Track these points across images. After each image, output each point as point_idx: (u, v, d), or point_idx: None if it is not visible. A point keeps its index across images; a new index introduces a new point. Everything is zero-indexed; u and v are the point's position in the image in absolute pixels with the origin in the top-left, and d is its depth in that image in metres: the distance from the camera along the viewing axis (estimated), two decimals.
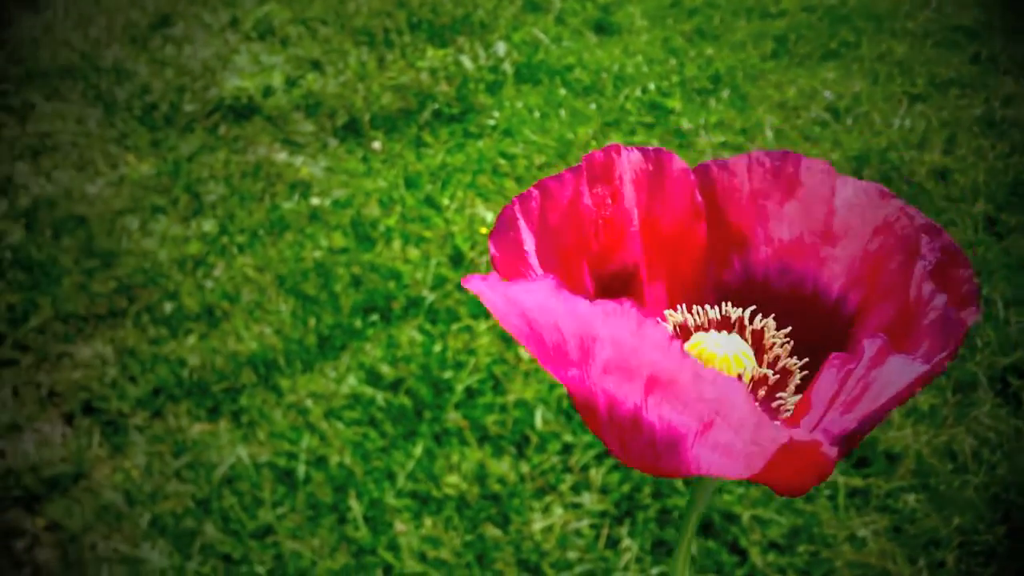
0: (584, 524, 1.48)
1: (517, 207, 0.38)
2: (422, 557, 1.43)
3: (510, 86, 2.67)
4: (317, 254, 2.02)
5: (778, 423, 0.35)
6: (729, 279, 0.42)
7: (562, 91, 2.65)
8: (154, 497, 1.56)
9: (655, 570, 1.42)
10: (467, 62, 2.77)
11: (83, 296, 1.95)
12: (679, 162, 0.41)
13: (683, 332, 0.41)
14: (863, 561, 1.42)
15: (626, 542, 1.45)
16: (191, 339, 1.84)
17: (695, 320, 0.41)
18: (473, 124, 2.50)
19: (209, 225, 2.14)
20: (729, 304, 0.41)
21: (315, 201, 2.20)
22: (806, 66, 2.72)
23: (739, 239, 0.41)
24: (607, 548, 1.45)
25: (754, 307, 0.41)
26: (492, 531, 1.46)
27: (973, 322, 0.34)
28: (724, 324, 0.41)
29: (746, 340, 0.40)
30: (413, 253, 2.00)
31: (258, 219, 2.15)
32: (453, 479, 1.53)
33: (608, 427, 0.33)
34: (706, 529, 1.48)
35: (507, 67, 2.75)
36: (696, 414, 0.30)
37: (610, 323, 0.29)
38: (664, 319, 0.41)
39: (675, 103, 2.56)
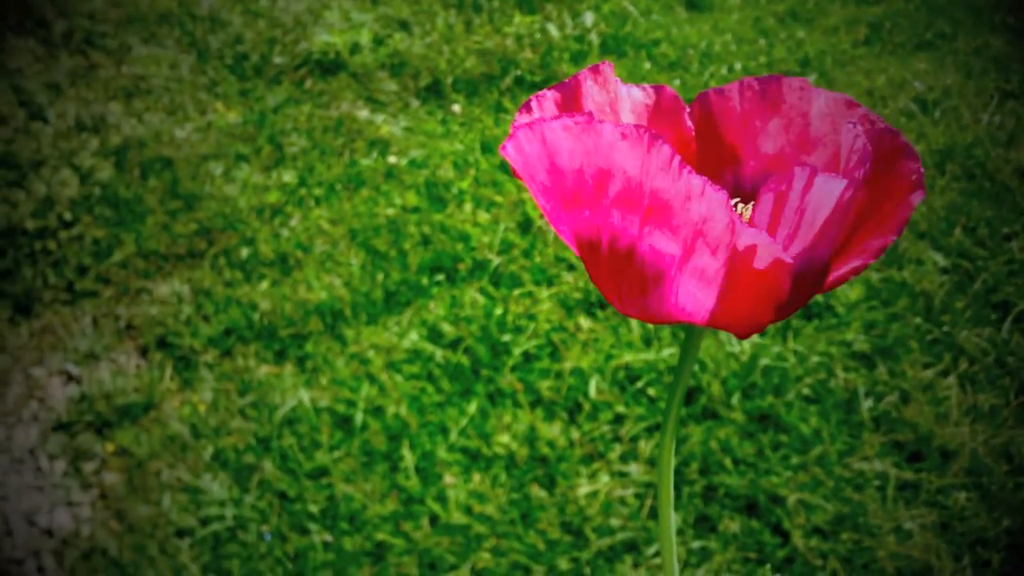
0: (629, 493, 1.50)
1: (534, 102, 0.42)
2: (468, 510, 1.47)
3: (594, 57, 2.67)
4: (390, 211, 2.06)
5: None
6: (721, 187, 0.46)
7: (647, 65, 2.64)
8: (218, 432, 1.62)
9: (696, 544, 1.44)
10: (553, 30, 2.78)
11: (165, 236, 2.02)
12: (671, 92, 0.46)
13: None
14: (906, 554, 1.42)
15: None
16: (264, 284, 1.90)
17: None
18: None
19: (289, 176, 2.20)
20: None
21: (392, 159, 2.24)
22: (898, 55, 2.66)
23: (731, 155, 0.46)
24: (650, 519, 1.47)
25: (738, 199, 0.46)
26: (538, 492, 1.49)
27: (918, 201, 0.38)
28: None
29: None
30: (483, 217, 2.03)
31: (336, 173, 2.20)
32: (504, 439, 1.56)
33: (607, 264, 0.37)
34: (750, 509, 1.49)
35: (593, 37, 2.74)
36: (682, 238, 0.34)
37: (623, 150, 0.33)
38: (673, 149, 0.46)
39: None
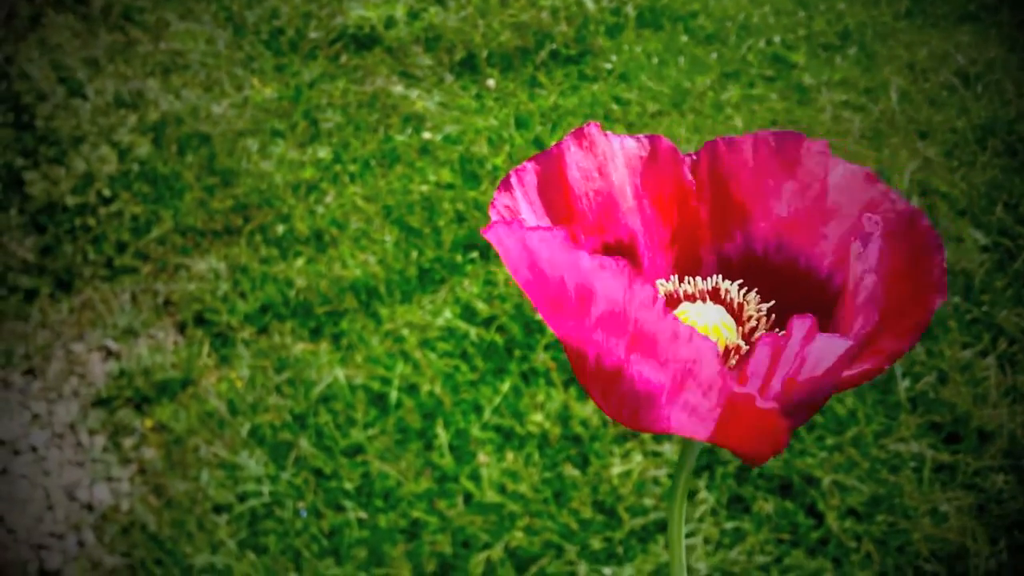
0: (662, 473, 1.50)
1: (513, 177, 0.41)
2: (501, 489, 1.48)
3: (630, 30, 2.64)
4: (424, 188, 2.06)
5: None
6: (731, 251, 0.44)
7: (683, 38, 2.61)
8: (255, 408, 1.64)
9: (729, 524, 1.44)
10: (589, 3, 2.75)
11: (202, 212, 2.04)
12: (667, 143, 0.44)
13: (673, 301, 0.43)
14: (942, 536, 1.41)
15: (703, 495, 1.47)
16: (299, 261, 1.91)
17: (686, 289, 0.44)
18: (589, 67, 2.49)
19: (324, 152, 2.20)
20: (720, 276, 0.44)
21: (427, 135, 2.24)
22: (940, 27, 2.61)
23: (741, 213, 0.43)
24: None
25: (741, 280, 0.43)
26: (571, 471, 1.50)
27: (939, 304, 0.36)
28: (714, 294, 0.43)
29: (733, 311, 0.42)
30: None
31: (371, 149, 2.20)
32: (537, 417, 1.57)
33: (595, 378, 0.36)
34: (784, 490, 1.49)
35: (629, 10, 2.72)
36: (671, 372, 0.32)
37: (604, 279, 0.32)
38: (654, 288, 0.44)
39: (799, 57, 2.49)
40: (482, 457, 1.52)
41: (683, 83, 2.39)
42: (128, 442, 1.65)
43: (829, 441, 1.53)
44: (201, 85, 2.42)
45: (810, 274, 0.42)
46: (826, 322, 0.40)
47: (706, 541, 1.42)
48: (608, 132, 0.43)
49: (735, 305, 0.42)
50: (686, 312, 0.40)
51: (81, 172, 2.03)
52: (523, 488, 1.47)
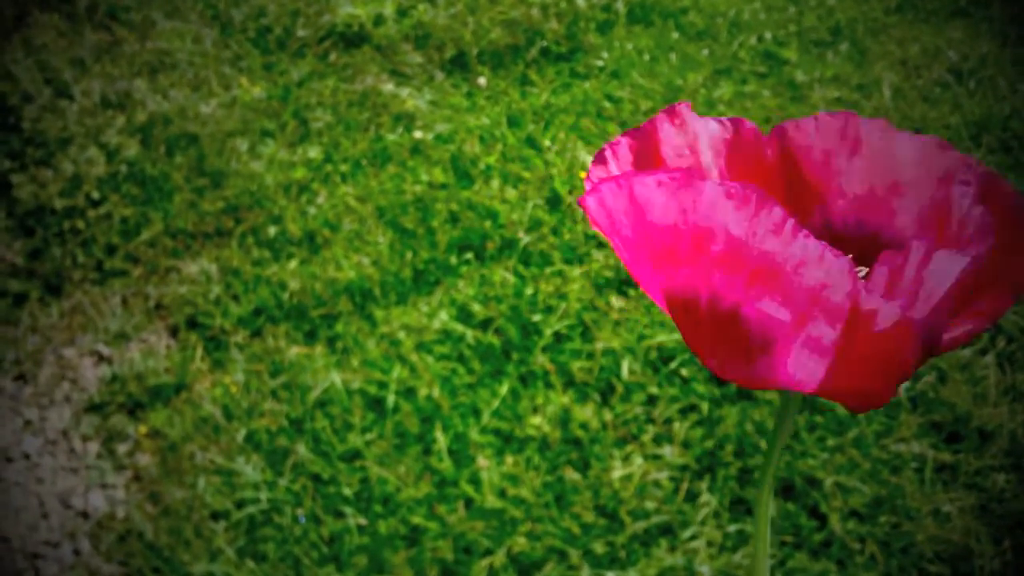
0: (664, 476, 1.49)
1: (608, 151, 0.41)
2: (502, 493, 1.47)
3: (621, 26, 2.63)
4: (417, 188, 2.05)
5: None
6: (812, 230, 0.44)
7: (674, 34, 2.60)
8: (250, 413, 1.62)
9: (732, 527, 1.43)
10: None
11: (192, 213, 2.02)
12: (750, 125, 0.44)
13: None
14: (945, 537, 1.40)
15: (705, 497, 1.46)
16: (292, 263, 1.90)
17: None
18: (581, 64, 2.48)
19: (314, 152, 2.18)
20: None
21: (418, 134, 2.22)
22: (932, 23, 2.61)
23: (815, 193, 0.44)
24: (685, 502, 1.46)
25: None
26: (572, 475, 1.49)
27: None
28: None
29: None
30: (511, 193, 2.01)
31: (362, 149, 2.19)
32: (536, 420, 1.56)
33: (706, 327, 0.35)
34: (787, 492, 1.48)
35: (620, 6, 2.70)
36: (794, 304, 0.31)
37: (728, 209, 0.31)
38: (784, 211, 0.44)
39: (791, 54, 2.49)
40: (482, 461, 1.51)
41: (675, 80, 2.38)
42: (122, 448, 1.63)
43: (830, 442, 1.52)
44: (189, 85, 2.39)
45: (894, 247, 0.42)
46: None
47: (709, 544, 1.42)
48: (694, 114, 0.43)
49: None
50: None
51: (69, 174, 2.00)
52: (524, 492, 1.46)
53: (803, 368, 0.33)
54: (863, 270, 0.41)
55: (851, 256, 0.43)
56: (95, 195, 2.01)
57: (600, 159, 0.40)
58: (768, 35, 2.56)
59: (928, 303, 0.32)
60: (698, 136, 0.43)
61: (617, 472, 1.49)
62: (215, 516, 1.48)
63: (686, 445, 1.53)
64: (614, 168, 0.40)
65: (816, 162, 0.43)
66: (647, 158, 0.42)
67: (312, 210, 2.02)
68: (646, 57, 2.49)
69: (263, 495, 1.49)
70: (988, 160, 2.06)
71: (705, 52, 2.50)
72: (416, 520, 1.43)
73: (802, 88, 2.35)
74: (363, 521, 1.44)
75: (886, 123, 0.41)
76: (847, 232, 0.43)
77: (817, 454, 1.51)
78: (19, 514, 1.56)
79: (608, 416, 1.57)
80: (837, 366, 0.33)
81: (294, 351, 1.72)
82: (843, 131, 0.42)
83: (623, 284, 1.80)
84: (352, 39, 2.59)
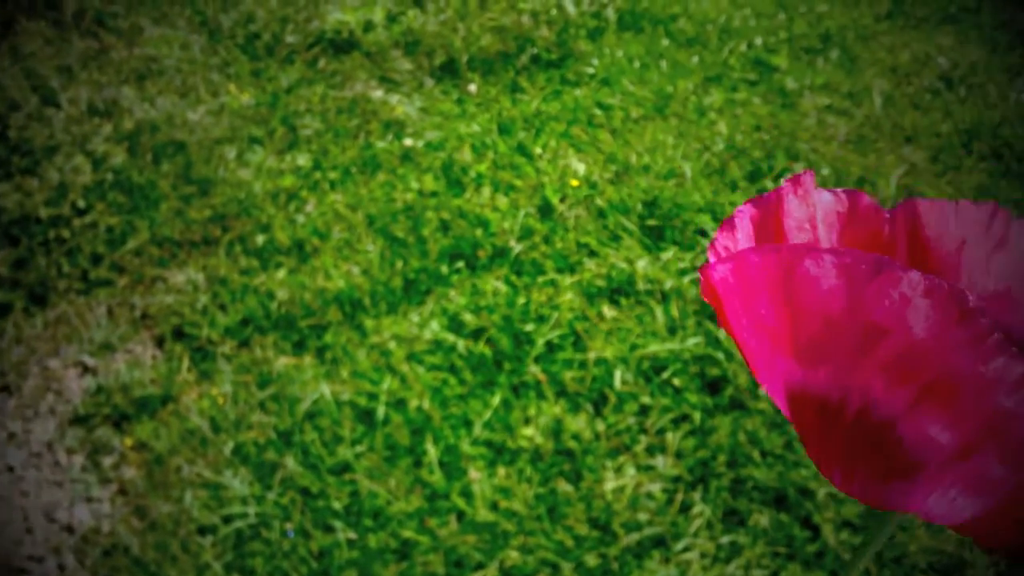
0: (656, 487, 1.48)
1: (737, 218, 0.37)
2: (494, 506, 1.45)
3: (611, 33, 2.62)
4: (408, 196, 2.03)
5: None
6: None
7: (664, 41, 2.59)
8: (238, 425, 1.60)
9: (725, 538, 1.42)
10: (570, 6, 2.73)
11: (179, 222, 2.00)
12: (867, 199, 0.40)
13: None
14: (939, 548, 1.39)
15: (698, 508, 1.45)
16: (281, 273, 1.88)
17: None
18: (571, 71, 2.47)
19: (303, 159, 2.17)
20: None
21: (408, 142, 2.21)
22: (922, 30, 2.61)
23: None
24: (679, 513, 1.45)
25: None
26: (564, 486, 1.47)
27: None
28: None
29: None
30: (502, 202, 2.00)
31: (351, 156, 2.17)
32: (528, 431, 1.54)
33: (843, 435, 0.30)
34: (779, 502, 1.47)
35: (610, 13, 2.70)
36: (964, 430, 0.27)
37: (923, 306, 0.27)
38: (989, 320, 0.40)
39: (781, 61, 2.48)
40: (473, 473, 1.49)
41: (665, 87, 2.37)
42: (107, 461, 1.61)
43: None
44: (176, 92, 2.37)
45: None
46: None
47: (703, 556, 1.40)
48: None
49: None
50: None
51: (55, 183, 1.98)
52: (516, 505, 1.44)
53: (950, 505, 0.29)
54: None
55: None
56: (81, 204, 1.98)
57: (728, 226, 0.37)
58: (758, 42, 2.56)
59: None
60: (816, 208, 0.40)
61: (610, 483, 1.47)
62: (202, 531, 1.46)
63: (679, 455, 1.52)
64: (741, 239, 0.37)
65: (949, 250, 0.39)
66: (769, 230, 0.38)
67: (301, 218, 2.00)
68: (636, 64, 2.48)
69: (251, 509, 1.47)
70: (980, 167, 2.05)
71: (695, 59, 2.50)
72: (407, 534, 1.41)
73: (792, 95, 2.34)
74: (353, 535, 1.42)
75: None
76: None
77: (809, 464, 1.49)
78: (3, 528, 1.54)
79: (601, 427, 1.56)
80: (997, 512, 0.28)
81: (282, 362, 1.70)
82: (989, 224, 0.39)
83: (615, 293, 1.79)
84: (341, 45, 2.57)
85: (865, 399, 0.29)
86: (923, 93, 2.32)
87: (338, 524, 1.44)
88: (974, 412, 0.26)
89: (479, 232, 1.92)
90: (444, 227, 1.94)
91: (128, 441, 1.63)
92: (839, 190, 0.40)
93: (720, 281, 0.32)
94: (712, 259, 0.34)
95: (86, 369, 1.77)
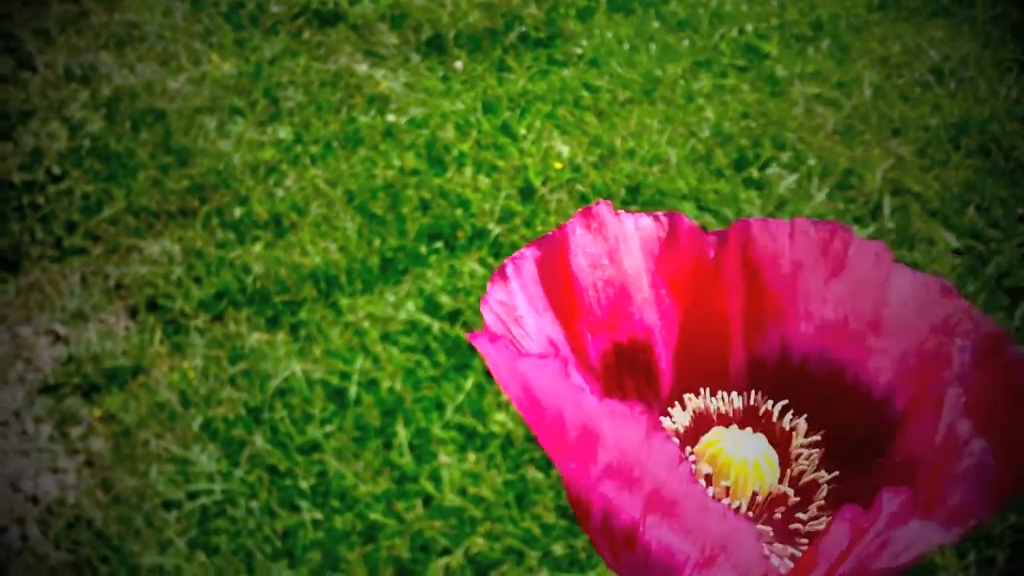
0: None
1: (510, 267, 0.35)
2: (462, 491, 1.44)
3: (602, 14, 2.59)
4: (388, 173, 2.01)
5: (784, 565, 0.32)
6: (764, 353, 0.38)
7: (655, 24, 2.56)
8: (208, 400, 1.59)
9: None
10: None
11: (156, 192, 1.97)
12: (688, 222, 0.38)
13: (703, 421, 0.37)
14: None
15: None
16: (257, 247, 1.85)
17: (719, 407, 0.38)
18: (559, 51, 2.44)
19: (284, 132, 2.14)
20: (759, 393, 0.38)
21: (391, 118, 2.18)
22: (913, 21, 2.59)
23: (777, 309, 0.38)
24: None
25: (786, 401, 0.37)
26: (534, 474, 1.46)
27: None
28: (751, 414, 0.38)
29: (774, 438, 0.36)
30: (483, 182, 1.98)
31: (333, 130, 2.14)
32: (500, 417, 1.53)
33: (601, 534, 0.30)
34: None
35: None
36: (699, 544, 0.27)
37: (616, 425, 0.26)
38: (683, 404, 0.38)
39: (771, 48, 2.46)
40: (443, 457, 1.48)
41: (654, 71, 2.35)
42: (75, 432, 1.59)
43: None
44: (157, 59, 2.33)
45: (859, 390, 0.36)
46: (879, 450, 0.36)
47: None
48: (620, 211, 0.37)
49: (777, 432, 0.37)
50: (720, 441, 0.34)
51: (30, 148, 1.95)
52: (485, 491, 1.43)
53: None
54: (815, 438, 0.36)
55: (804, 418, 0.37)
56: (56, 170, 1.95)
57: (501, 276, 0.35)
58: (749, 27, 2.54)
59: (894, 561, 0.27)
60: (621, 240, 0.37)
61: None
62: (167, 505, 1.45)
63: None
64: (516, 288, 0.35)
65: (783, 275, 0.37)
66: (555, 274, 0.36)
67: (280, 192, 1.97)
68: (626, 46, 2.45)
69: (217, 486, 1.45)
70: (967, 163, 2.04)
71: (685, 43, 2.47)
72: (373, 516, 1.40)
73: (782, 83, 2.32)
74: (319, 516, 1.41)
75: (884, 248, 0.36)
76: (807, 363, 0.37)
77: None
78: None
79: None
80: None
81: (255, 337, 1.69)
82: (825, 247, 0.36)
83: None
84: (327, 17, 2.54)
85: (605, 505, 0.28)
86: (913, 85, 2.30)
87: (304, 504, 1.42)
88: (700, 529, 0.26)
89: (459, 212, 1.90)
90: (424, 206, 1.92)
91: (97, 412, 1.61)
92: (659, 214, 0.38)
93: (484, 355, 0.31)
94: (485, 316, 0.32)
95: (57, 338, 1.75)
